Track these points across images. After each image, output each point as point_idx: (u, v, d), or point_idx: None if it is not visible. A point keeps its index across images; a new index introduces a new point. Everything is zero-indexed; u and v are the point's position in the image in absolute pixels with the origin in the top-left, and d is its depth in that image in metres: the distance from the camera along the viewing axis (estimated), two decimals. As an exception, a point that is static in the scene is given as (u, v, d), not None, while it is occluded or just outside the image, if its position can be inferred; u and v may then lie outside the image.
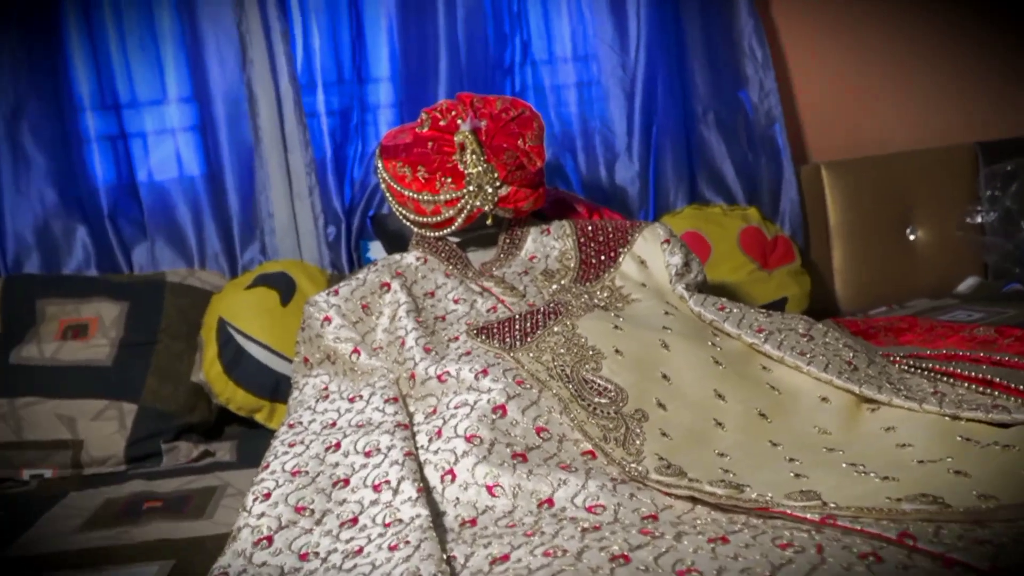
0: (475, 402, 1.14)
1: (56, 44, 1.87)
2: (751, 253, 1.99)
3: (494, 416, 1.12)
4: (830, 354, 1.27)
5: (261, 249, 1.98)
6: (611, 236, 1.53)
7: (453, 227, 1.52)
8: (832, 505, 0.89)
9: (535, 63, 2.13)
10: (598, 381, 1.18)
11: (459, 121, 1.49)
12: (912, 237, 2.26)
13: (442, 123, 1.50)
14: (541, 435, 1.11)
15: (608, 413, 1.14)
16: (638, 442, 1.10)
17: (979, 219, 2.20)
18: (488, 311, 1.40)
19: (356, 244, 2.02)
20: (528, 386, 1.18)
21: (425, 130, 1.50)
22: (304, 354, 1.42)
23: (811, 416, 1.19)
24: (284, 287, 1.74)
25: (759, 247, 2.01)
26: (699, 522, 0.93)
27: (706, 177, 2.17)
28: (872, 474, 0.98)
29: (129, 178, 1.95)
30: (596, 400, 1.16)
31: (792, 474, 1.02)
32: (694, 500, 0.99)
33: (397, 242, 1.79)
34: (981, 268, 2.25)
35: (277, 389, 1.66)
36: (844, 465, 1.03)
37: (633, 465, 1.06)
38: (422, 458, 1.10)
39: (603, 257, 1.50)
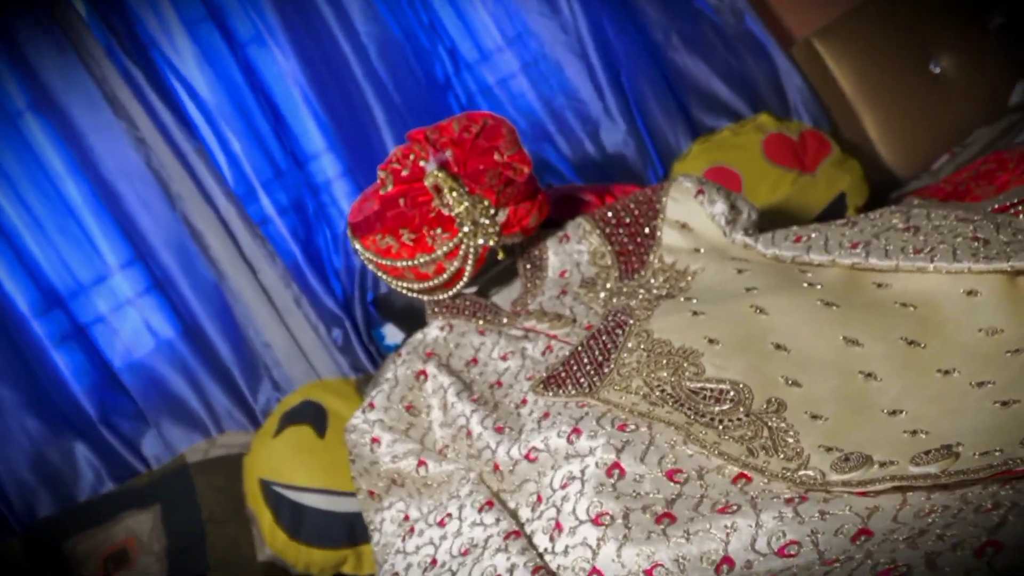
0: (582, 471, 0.94)
1: (-26, 264, 1.68)
2: (784, 162, 1.77)
3: (612, 480, 0.91)
4: (949, 237, 1.05)
5: (273, 386, 1.79)
6: (637, 213, 1.32)
7: (464, 278, 1.31)
8: (1094, 438, 0.67)
9: (470, 66, 1.95)
10: (708, 386, 0.97)
11: (422, 163, 1.28)
12: (937, 70, 2.03)
13: (405, 173, 1.28)
14: (676, 479, 0.90)
15: (738, 420, 0.93)
16: (790, 440, 0.89)
17: (998, 20, 1.97)
18: (543, 354, 1.19)
19: (369, 336, 1.83)
20: (633, 426, 0.96)
21: (390, 189, 1.29)
22: (366, 488, 1.22)
23: (968, 320, 0.96)
24: (314, 417, 1.57)
25: (790, 152, 1.79)
26: (930, 521, 0.71)
27: (699, 103, 1.98)
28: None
29: (105, 370, 1.75)
30: (717, 410, 0.95)
31: (996, 403, 0.80)
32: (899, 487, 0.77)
33: (411, 318, 1.63)
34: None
35: (353, 532, 1.47)
36: (1053, 368, 0.80)
37: (803, 472, 0.84)
38: (552, 565, 0.89)
39: (639, 239, 1.30)
